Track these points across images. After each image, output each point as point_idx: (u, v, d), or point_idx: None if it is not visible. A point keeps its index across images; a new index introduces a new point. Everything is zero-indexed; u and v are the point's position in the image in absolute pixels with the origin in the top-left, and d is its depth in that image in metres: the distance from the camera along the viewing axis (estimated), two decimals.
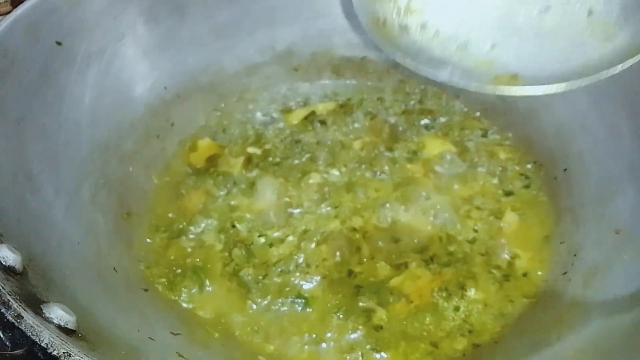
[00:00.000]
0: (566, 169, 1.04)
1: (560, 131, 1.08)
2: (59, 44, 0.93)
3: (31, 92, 0.87)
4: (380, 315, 0.84)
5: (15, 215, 0.71)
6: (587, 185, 0.99)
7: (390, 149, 1.12)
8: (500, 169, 1.09)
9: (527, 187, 1.06)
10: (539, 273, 0.92)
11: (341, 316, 0.84)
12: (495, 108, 1.19)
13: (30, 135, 0.84)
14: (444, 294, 0.86)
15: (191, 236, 0.96)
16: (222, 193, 1.03)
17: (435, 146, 1.14)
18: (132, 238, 0.93)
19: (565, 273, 0.90)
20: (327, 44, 1.29)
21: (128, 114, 1.08)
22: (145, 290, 0.84)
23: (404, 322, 0.84)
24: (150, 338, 0.69)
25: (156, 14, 1.10)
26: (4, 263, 0.58)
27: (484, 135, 1.17)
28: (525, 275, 0.91)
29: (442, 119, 1.19)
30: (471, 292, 0.87)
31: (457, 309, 0.85)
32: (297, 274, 0.90)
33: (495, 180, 1.07)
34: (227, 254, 0.93)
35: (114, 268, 0.82)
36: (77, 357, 0.48)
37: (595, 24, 0.80)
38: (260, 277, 0.89)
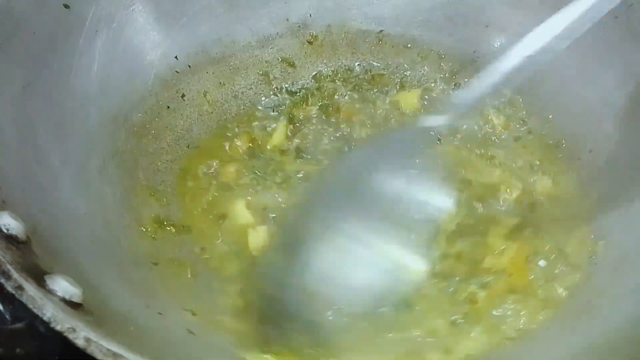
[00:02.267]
0: (592, 150, 1.00)
1: (585, 111, 1.03)
2: (67, 6, 0.89)
3: (38, 57, 0.83)
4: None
5: (19, 184, 0.68)
6: (615, 168, 0.94)
7: None
8: None
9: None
10: None
11: None
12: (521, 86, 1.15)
13: (36, 102, 0.81)
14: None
15: None
16: None
17: None
18: (141, 210, 0.90)
19: (591, 257, 0.86)
20: (343, 16, 1.24)
21: (137, 84, 1.04)
22: (155, 264, 0.81)
23: None
24: (159, 313, 0.66)
25: None
26: (5, 231, 0.54)
27: None
28: None
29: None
30: None
31: None
32: None
33: None
34: None
35: (122, 240, 0.79)
36: (83, 333, 0.45)
37: None
38: None
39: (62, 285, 0.51)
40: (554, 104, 1.08)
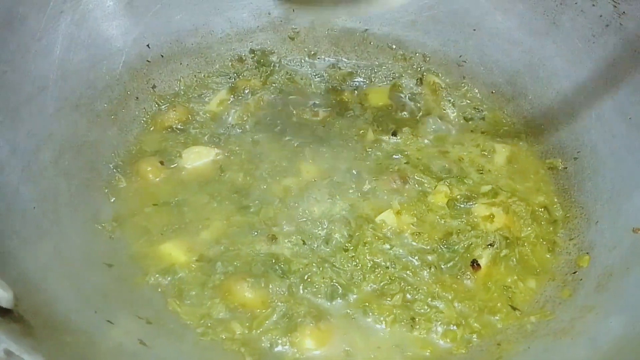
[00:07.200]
0: (577, 158, 0.96)
1: (572, 120, 1.00)
2: None
3: None
4: None
5: None
6: (601, 179, 0.91)
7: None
8: None
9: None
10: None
11: None
12: (503, 93, 1.11)
13: None
14: None
15: None
16: None
17: None
18: (99, 207, 0.83)
19: (575, 272, 0.82)
20: (327, 13, 1.18)
21: (104, 72, 0.97)
22: (110, 265, 0.74)
23: None
24: (109, 321, 0.59)
25: None
26: None
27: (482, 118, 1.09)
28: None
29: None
30: None
31: None
32: None
33: None
34: None
35: (74, 238, 0.72)
36: (3, 345, 0.39)
37: None
38: None
39: None
40: (541, 111, 1.05)
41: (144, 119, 1.01)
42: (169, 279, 0.77)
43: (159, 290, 0.75)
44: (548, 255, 0.86)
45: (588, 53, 0.98)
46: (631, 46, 0.92)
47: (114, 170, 0.91)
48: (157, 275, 0.77)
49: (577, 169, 0.96)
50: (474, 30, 1.14)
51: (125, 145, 0.95)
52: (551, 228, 0.90)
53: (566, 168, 0.98)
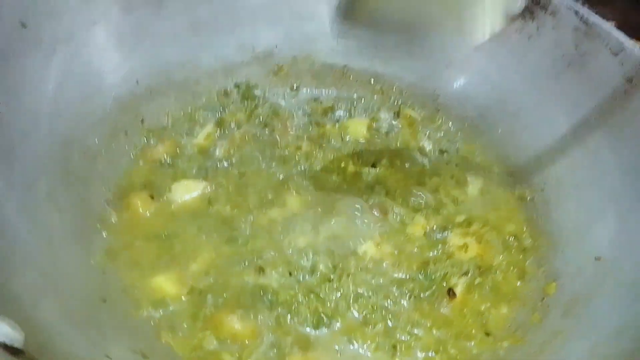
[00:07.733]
0: (543, 190, 1.03)
1: (539, 153, 1.07)
2: (24, 25, 0.86)
3: None
4: None
5: None
6: (565, 210, 0.98)
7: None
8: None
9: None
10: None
11: None
12: (475, 127, 1.18)
13: None
14: None
15: None
16: None
17: None
18: (92, 241, 0.86)
19: (543, 299, 0.88)
20: (309, 48, 1.25)
21: (95, 107, 1.00)
22: (104, 301, 0.77)
23: None
24: (107, 356, 0.62)
25: (133, 2, 1.03)
26: None
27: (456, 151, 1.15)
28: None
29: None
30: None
31: None
32: None
33: None
34: None
35: (70, 275, 0.74)
36: None
37: None
38: None
39: (4, 330, 0.47)
40: (511, 144, 1.12)
41: (133, 152, 1.04)
42: (161, 311, 0.79)
43: (152, 323, 0.78)
44: (519, 283, 0.92)
45: (552, 90, 1.06)
46: (591, 84, 0.99)
47: (105, 204, 0.93)
48: (149, 309, 0.79)
49: (544, 200, 1.03)
50: (447, 66, 1.21)
51: (116, 179, 0.98)
52: (521, 256, 0.96)
53: (533, 199, 1.04)
